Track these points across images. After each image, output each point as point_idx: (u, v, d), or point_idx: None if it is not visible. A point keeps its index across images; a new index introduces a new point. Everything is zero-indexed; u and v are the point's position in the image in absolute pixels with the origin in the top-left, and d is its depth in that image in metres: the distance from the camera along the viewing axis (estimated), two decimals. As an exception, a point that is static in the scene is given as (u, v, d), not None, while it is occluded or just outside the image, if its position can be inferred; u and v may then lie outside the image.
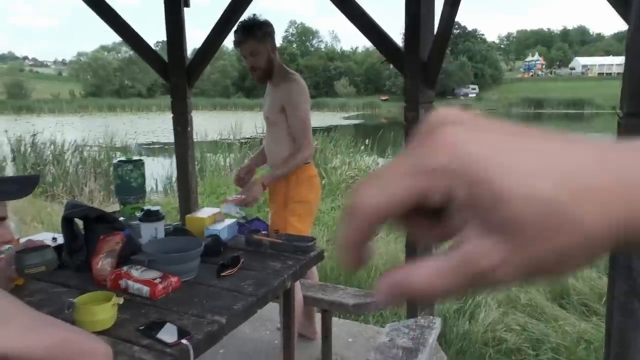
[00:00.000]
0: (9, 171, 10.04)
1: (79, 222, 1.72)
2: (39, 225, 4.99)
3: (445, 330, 2.86)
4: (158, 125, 22.89)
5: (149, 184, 9.11)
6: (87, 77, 70.33)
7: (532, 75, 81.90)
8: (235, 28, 2.34)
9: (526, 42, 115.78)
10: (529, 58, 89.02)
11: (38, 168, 9.24)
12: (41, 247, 1.30)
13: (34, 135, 10.45)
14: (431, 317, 2.16)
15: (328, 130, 12.53)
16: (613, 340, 1.19)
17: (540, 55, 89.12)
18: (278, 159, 2.34)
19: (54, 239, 1.82)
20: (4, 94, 57.77)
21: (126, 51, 70.56)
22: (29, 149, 10.07)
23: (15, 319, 0.89)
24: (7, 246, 1.49)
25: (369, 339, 2.73)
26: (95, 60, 70.49)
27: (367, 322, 3.10)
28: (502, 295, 3.42)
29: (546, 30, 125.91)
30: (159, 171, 9.16)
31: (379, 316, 3.18)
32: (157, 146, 16.08)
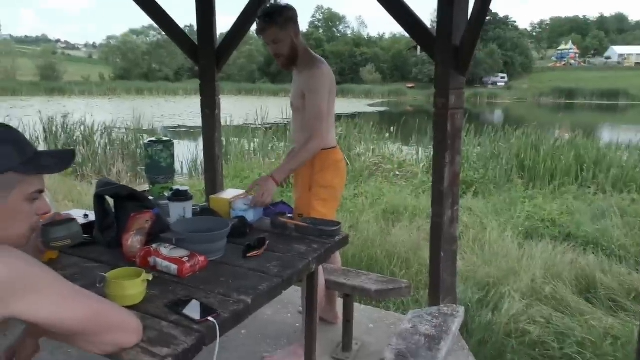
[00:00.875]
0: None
1: (110, 200, 1.76)
2: (69, 204, 5.14)
3: (467, 319, 2.84)
4: (184, 109, 23.17)
5: (175, 167, 9.27)
6: (116, 60, 71.40)
7: (564, 65, 79.33)
8: (257, 15, 2.28)
9: (560, 29, 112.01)
10: (562, 46, 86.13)
11: (63, 148, 9.49)
12: (67, 220, 1.33)
13: (65, 116, 10.72)
14: (455, 305, 2.15)
15: (352, 116, 12.47)
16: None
17: (574, 43, 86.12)
18: (300, 145, 2.31)
19: (86, 215, 1.87)
20: (38, 76, 59.20)
21: (154, 35, 71.27)
22: (60, 130, 10.34)
23: (49, 289, 0.92)
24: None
25: (390, 325, 2.74)
26: (125, 44, 71.44)
27: (387, 308, 3.10)
28: (526, 287, 3.37)
29: (582, 17, 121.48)
30: (185, 154, 9.30)
31: (400, 303, 3.18)
32: (183, 129, 16.30)
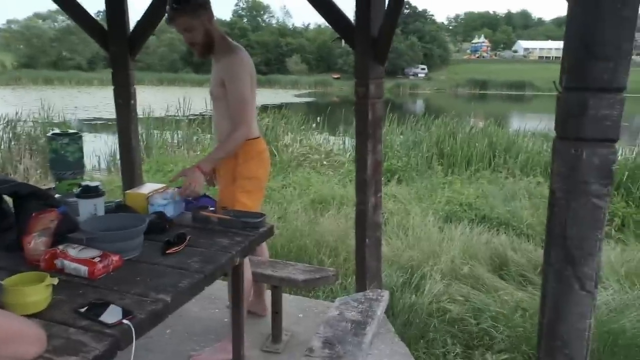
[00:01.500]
0: None
1: (9, 200, 1.60)
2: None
3: (392, 302, 2.93)
4: (100, 101, 21.74)
5: (92, 162, 8.70)
6: (19, 46, 65.36)
7: (478, 57, 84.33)
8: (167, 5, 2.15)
9: (473, 24, 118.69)
10: (475, 40, 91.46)
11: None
12: None
13: (-41, 108, 9.65)
14: (379, 290, 2.21)
15: (279, 107, 12.39)
16: (546, 307, 1.25)
17: (485, 37, 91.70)
18: (222, 137, 2.25)
19: (-20, 217, 1.69)
20: None
21: (63, 20, 66.06)
22: (-46, 124, 9.31)
23: None
24: None
25: (319, 313, 2.77)
26: (28, 29, 65.53)
27: (317, 297, 3.13)
28: (446, 267, 3.55)
29: (492, 13, 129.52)
30: (102, 148, 8.75)
31: (329, 291, 3.23)
32: (100, 122, 15.32)
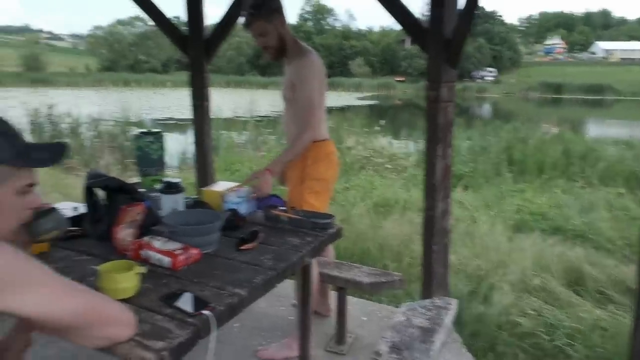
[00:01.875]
0: (27, 143, 10.16)
1: (100, 193, 1.73)
2: (58, 196, 5.05)
3: (459, 312, 2.85)
4: (172, 102, 22.91)
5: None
6: (102, 51, 70.29)
7: (551, 59, 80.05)
8: (242, 10, 2.24)
9: (547, 24, 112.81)
10: (549, 41, 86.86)
11: (55, 141, 9.35)
12: (49, 210, 1.28)
13: (50, 107, 10.54)
14: (447, 298, 2.16)
15: (342, 110, 12.45)
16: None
17: (561, 38, 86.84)
18: (293, 137, 2.30)
19: (75, 208, 1.84)
20: (21, 67, 58.13)
21: (141, 26, 70.22)
22: (46, 121, 10.18)
23: (41, 283, 0.89)
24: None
25: (383, 318, 2.75)
26: (111, 35, 70.37)
27: (380, 301, 3.11)
28: (516, 279, 3.40)
29: (568, 12, 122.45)
30: (174, 146, 9.22)
31: (392, 296, 3.19)
32: (172, 122, 16.14)
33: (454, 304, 2.05)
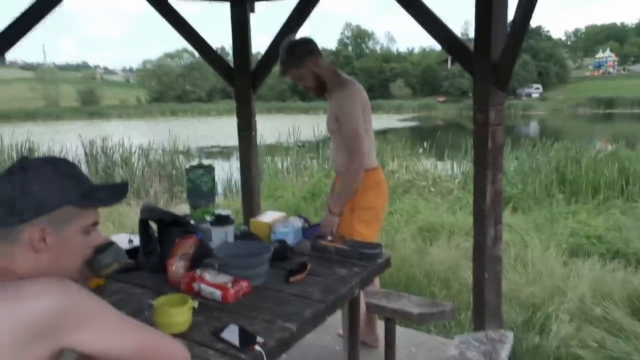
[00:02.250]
0: (83, 173, 10.71)
1: (152, 225, 1.79)
2: (110, 226, 5.27)
3: (514, 343, 2.72)
4: (217, 130, 23.62)
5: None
6: (152, 83, 73.75)
7: (602, 73, 76.92)
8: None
9: (596, 37, 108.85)
10: (599, 55, 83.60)
11: (108, 171, 9.81)
12: (109, 244, 1.33)
13: (104, 139, 11.10)
14: (502, 330, 2.06)
15: (384, 132, 12.41)
16: None
17: (611, 51, 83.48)
18: (339, 167, 2.35)
19: (130, 240, 1.90)
20: (79, 101, 61.85)
21: (188, 57, 73.34)
22: (100, 152, 10.71)
23: (102, 320, 0.92)
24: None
25: (432, 349, 2.66)
26: (160, 67, 73.82)
27: (429, 331, 3.01)
28: (574, 307, 3.22)
29: (619, 24, 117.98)
30: (219, 174, 9.44)
31: (442, 327, 3.09)
32: (217, 149, 16.60)
33: (510, 337, 1.96)
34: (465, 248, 4.24)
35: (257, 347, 1.16)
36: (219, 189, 9.18)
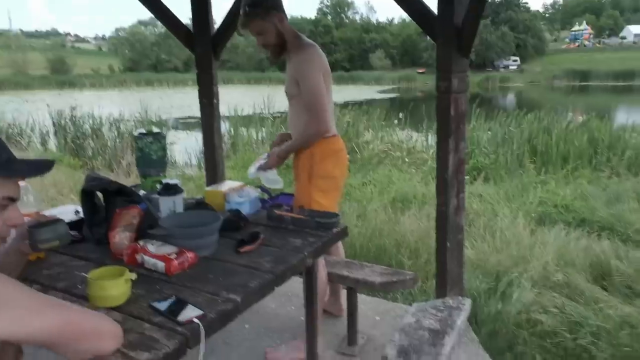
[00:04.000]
0: (51, 144, 10.41)
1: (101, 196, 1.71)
2: (75, 197, 5.13)
3: (476, 310, 2.76)
4: (193, 100, 23.04)
5: (183, 158, 9.25)
6: (125, 51, 71.48)
7: (578, 46, 77.53)
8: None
9: (573, 10, 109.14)
10: (576, 27, 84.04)
11: (77, 141, 9.52)
12: (54, 221, 1.28)
13: (73, 109, 10.73)
14: (460, 297, 2.07)
15: (361, 104, 12.32)
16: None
17: (587, 24, 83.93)
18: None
19: (77, 211, 1.82)
20: (48, 70, 59.64)
21: (162, 26, 71.17)
22: (69, 123, 10.37)
23: (14, 303, 0.85)
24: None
25: (397, 317, 2.67)
26: (133, 35, 71.49)
27: (395, 299, 3.03)
28: (538, 274, 3.28)
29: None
30: (193, 145, 9.26)
31: (408, 294, 3.11)
32: (193, 120, 16.28)
33: (467, 304, 1.97)
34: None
35: (195, 320, 1.12)
36: (193, 160, 9.02)
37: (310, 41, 2.22)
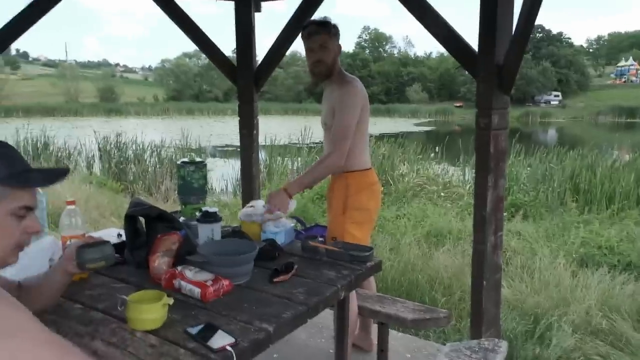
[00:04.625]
0: (96, 168, 10.87)
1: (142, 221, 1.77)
2: (116, 220, 5.31)
3: (512, 353, 2.65)
4: (232, 129, 23.70)
5: (220, 185, 9.46)
6: (169, 82, 74.61)
7: (624, 82, 75.40)
8: (305, 24, 2.31)
9: (619, 45, 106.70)
10: (622, 63, 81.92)
11: (120, 166, 9.91)
12: (101, 242, 1.34)
13: (118, 135, 11.22)
14: (496, 339, 2.00)
15: (397, 136, 12.33)
16: None
17: (635, 59, 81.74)
18: None
19: (119, 235, 1.89)
20: (97, 98, 62.83)
21: (205, 57, 73.98)
22: (114, 148, 10.82)
23: (24, 333, 0.82)
24: (70, 240, 1.56)
25: (428, 356, 2.60)
26: (178, 67, 74.66)
27: (427, 337, 2.96)
28: (579, 319, 3.13)
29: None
30: (230, 173, 9.46)
31: (440, 332, 3.03)
32: (231, 149, 16.68)
33: (503, 347, 1.90)
34: (471, 255, 4.15)
35: (228, 348, 1.13)
36: (229, 187, 9.20)
37: (353, 76, 2.29)
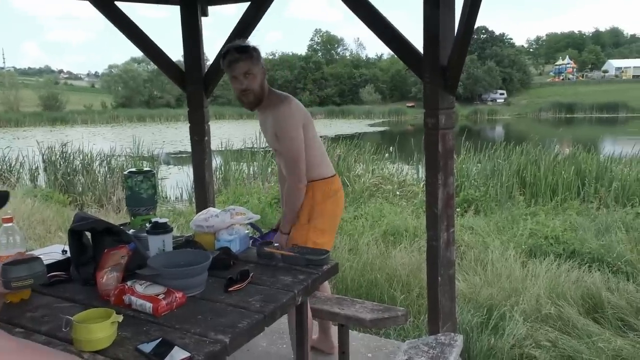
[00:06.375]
0: (41, 180, 10.35)
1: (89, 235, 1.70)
2: (63, 235, 5.06)
3: (469, 345, 2.73)
4: (185, 135, 23.21)
5: (175, 193, 9.23)
6: (118, 88, 72.08)
7: (562, 79, 79.70)
8: (223, 50, 2.21)
9: (556, 45, 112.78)
10: (559, 62, 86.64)
11: (67, 178, 9.47)
12: (30, 259, 1.26)
13: (64, 145, 10.73)
14: (452, 334, 2.05)
15: (352, 137, 12.47)
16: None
17: (571, 58, 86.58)
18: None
19: (64, 251, 1.81)
20: (40, 107, 59.80)
21: (155, 63, 72.01)
22: (59, 159, 10.34)
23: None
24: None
25: (389, 354, 2.64)
26: (126, 72, 72.23)
27: (387, 335, 3.00)
28: (530, 307, 3.26)
29: (577, 33, 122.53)
30: (184, 180, 9.25)
31: (400, 329, 3.08)
32: (185, 155, 16.33)
33: (459, 340, 1.95)
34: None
35: (182, 363, 1.10)
36: (184, 195, 9.00)
37: (285, 93, 2.27)
